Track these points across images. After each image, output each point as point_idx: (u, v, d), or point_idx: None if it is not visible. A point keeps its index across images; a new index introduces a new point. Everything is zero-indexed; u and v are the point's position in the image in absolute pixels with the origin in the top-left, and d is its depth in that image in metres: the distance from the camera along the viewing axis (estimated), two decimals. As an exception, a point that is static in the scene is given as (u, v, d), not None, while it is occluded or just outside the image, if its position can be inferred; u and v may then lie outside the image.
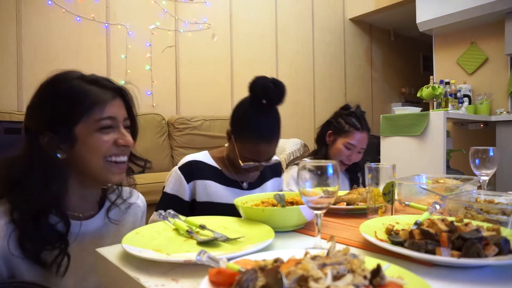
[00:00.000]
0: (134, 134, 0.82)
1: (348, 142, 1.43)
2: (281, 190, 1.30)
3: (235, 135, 1.07)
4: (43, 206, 0.70)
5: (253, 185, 1.18)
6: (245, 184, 1.15)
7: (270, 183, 1.23)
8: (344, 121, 1.47)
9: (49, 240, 0.71)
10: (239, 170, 1.12)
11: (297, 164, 1.51)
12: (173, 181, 1.11)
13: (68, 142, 0.71)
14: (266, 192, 1.19)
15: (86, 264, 0.79)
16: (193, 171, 1.10)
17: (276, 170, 1.26)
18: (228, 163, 1.15)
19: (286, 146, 3.00)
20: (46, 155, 0.70)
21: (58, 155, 0.72)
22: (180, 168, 1.12)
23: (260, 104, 1.03)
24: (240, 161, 1.05)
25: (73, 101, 0.72)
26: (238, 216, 0.85)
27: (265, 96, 1.02)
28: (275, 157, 1.14)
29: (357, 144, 1.44)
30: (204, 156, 1.15)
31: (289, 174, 1.48)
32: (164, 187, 1.14)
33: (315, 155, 1.54)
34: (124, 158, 0.78)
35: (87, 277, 0.79)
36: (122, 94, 0.80)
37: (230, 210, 0.99)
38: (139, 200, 0.94)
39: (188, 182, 1.09)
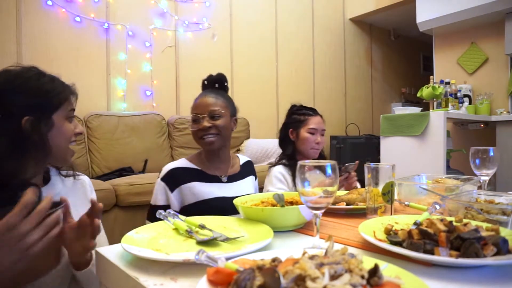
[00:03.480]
0: None
1: (309, 128, 1.59)
2: (260, 188, 1.44)
3: None
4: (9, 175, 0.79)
5: (232, 179, 1.26)
6: (224, 178, 1.24)
7: (247, 180, 1.32)
8: (297, 115, 1.64)
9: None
10: (203, 147, 1.23)
11: (275, 165, 1.59)
12: (158, 193, 1.17)
13: (47, 126, 0.83)
14: (244, 186, 1.29)
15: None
16: (176, 178, 1.17)
17: (251, 169, 1.38)
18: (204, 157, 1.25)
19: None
20: (24, 135, 0.80)
21: (36, 136, 0.81)
22: (163, 179, 1.17)
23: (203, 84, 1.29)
24: (191, 128, 1.19)
25: (54, 92, 0.85)
26: (225, 207, 0.90)
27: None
28: (245, 157, 1.37)
29: (317, 127, 1.60)
30: (182, 162, 1.23)
31: (271, 175, 1.55)
32: (151, 200, 1.19)
33: (285, 156, 1.63)
34: (75, 143, 0.92)
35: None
36: (73, 92, 0.93)
37: (215, 203, 1.14)
38: (82, 177, 1.03)
39: (172, 191, 1.16)
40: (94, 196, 1.03)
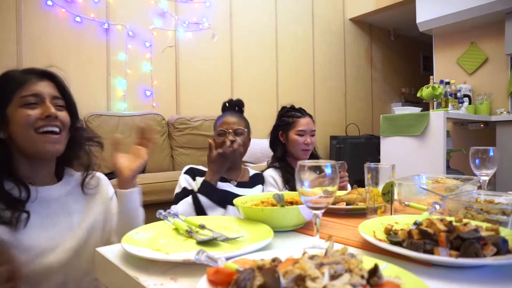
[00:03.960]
0: (72, 113, 0.91)
1: (298, 130, 1.60)
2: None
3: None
4: None
5: (241, 185, 1.41)
6: (234, 182, 1.40)
7: (256, 188, 1.46)
8: (286, 117, 1.66)
9: (5, 201, 0.79)
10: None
11: (266, 169, 1.62)
12: (183, 180, 1.35)
13: (3, 123, 0.81)
14: (252, 192, 1.41)
15: (57, 226, 0.86)
16: (194, 172, 1.37)
17: (260, 180, 1.52)
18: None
19: (286, 146, 3.00)
20: None
21: (3, 135, 0.82)
22: (185, 172, 1.37)
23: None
24: (216, 140, 1.36)
25: (2, 84, 0.83)
26: (230, 200, 1.01)
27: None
28: (255, 171, 1.53)
29: (306, 128, 1.60)
30: (199, 166, 1.43)
31: (265, 179, 1.57)
32: (175, 192, 1.35)
33: (276, 157, 1.65)
34: (54, 129, 0.84)
35: (58, 238, 0.85)
36: (50, 77, 0.88)
37: (223, 195, 1.29)
38: (97, 173, 1.02)
39: (193, 179, 1.35)
40: (111, 189, 1.03)
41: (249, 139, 1.46)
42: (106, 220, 0.96)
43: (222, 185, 1.35)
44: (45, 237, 0.83)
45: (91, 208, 0.94)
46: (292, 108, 1.70)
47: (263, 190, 1.49)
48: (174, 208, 1.24)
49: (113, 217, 0.97)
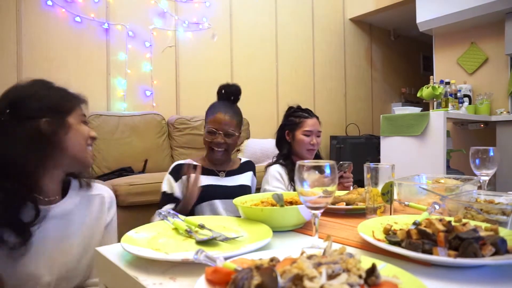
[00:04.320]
0: None
1: (304, 130, 1.62)
2: (257, 189, 1.55)
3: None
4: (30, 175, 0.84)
5: (230, 173, 1.41)
6: (222, 174, 1.40)
7: (245, 174, 1.46)
8: (293, 117, 1.67)
9: (14, 226, 0.80)
10: (212, 155, 1.38)
11: (272, 164, 1.64)
12: (166, 182, 1.36)
13: (65, 128, 0.88)
14: (240, 179, 1.43)
15: (56, 245, 0.88)
16: (178, 171, 1.33)
17: (250, 167, 1.52)
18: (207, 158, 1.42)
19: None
20: (45, 139, 0.84)
21: (55, 138, 0.86)
22: (170, 173, 1.37)
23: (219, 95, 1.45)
24: (205, 136, 1.35)
25: (68, 97, 0.92)
26: (215, 194, 1.16)
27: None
28: (247, 159, 1.53)
29: (312, 129, 1.62)
30: (187, 160, 1.40)
31: (268, 174, 1.59)
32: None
33: (281, 156, 1.67)
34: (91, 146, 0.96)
35: (57, 258, 0.87)
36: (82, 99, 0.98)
37: (207, 191, 1.30)
38: (104, 192, 1.04)
39: (176, 181, 1.33)
40: (112, 214, 1.03)
41: (240, 134, 1.42)
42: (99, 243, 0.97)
43: (207, 179, 1.34)
44: (45, 264, 0.85)
45: (91, 228, 0.97)
46: (299, 108, 1.72)
47: (253, 177, 1.50)
48: (153, 217, 1.21)
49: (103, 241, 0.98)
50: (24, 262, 0.82)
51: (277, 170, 1.56)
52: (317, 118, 1.69)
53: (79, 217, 0.94)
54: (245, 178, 1.45)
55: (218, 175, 1.39)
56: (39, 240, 0.84)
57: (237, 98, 1.44)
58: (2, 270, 0.79)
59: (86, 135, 0.92)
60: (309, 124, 1.63)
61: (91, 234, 0.96)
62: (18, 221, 0.80)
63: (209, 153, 1.40)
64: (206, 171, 1.37)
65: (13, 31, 2.40)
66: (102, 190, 1.03)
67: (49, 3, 2.53)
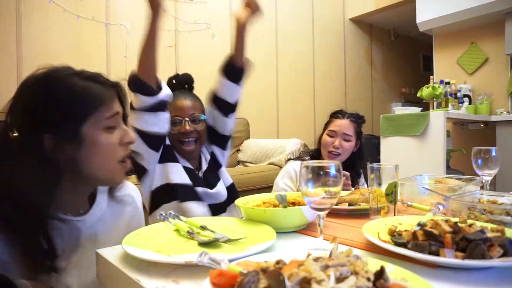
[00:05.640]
0: None
1: (329, 129, 1.54)
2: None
3: None
4: (43, 207, 0.65)
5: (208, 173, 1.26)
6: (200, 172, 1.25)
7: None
8: (330, 117, 1.62)
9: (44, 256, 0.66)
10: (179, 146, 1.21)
11: (294, 159, 1.55)
12: None
13: (74, 144, 0.67)
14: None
15: (84, 262, 0.76)
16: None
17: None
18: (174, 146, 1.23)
19: (286, 146, 3.00)
20: (47, 158, 0.66)
21: (66, 158, 0.67)
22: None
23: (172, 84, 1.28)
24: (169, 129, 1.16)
25: (78, 99, 0.68)
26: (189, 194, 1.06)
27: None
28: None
29: (337, 130, 1.51)
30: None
31: (285, 168, 1.54)
32: None
33: (307, 154, 1.65)
34: (126, 158, 0.76)
35: (85, 274, 0.76)
36: (117, 89, 0.76)
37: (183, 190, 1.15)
38: (131, 191, 0.92)
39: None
40: (141, 212, 0.92)
41: (206, 123, 1.26)
42: None
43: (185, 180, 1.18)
44: (69, 278, 0.73)
45: (124, 230, 0.83)
46: (341, 110, 1.63)
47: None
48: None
49: None
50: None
51: (294, 168, 1.48)
52: (353, 121, 1.55)
53: (111, 222, 0.82)
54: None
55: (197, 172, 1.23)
56: (71, 254, 0.73)
57: (191, 86, 1.31)
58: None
59: (111, 148, 0.69)
60: (336, 124, 1.52)
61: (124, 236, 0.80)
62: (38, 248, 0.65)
63: (178, 149, 1.21)
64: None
65: (13, 31, 2.39)
66: (130, 190, 0.90)
67: (49, 2, 2.52)
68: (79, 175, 0.71)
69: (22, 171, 0.64)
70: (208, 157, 1.30)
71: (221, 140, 1.30)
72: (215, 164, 1.30)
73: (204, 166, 1.27)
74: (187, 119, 1.18)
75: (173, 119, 1.18)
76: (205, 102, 1.31)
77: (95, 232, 0.80)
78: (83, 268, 0.76)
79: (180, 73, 1.39)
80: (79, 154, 0.68)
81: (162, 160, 1.17)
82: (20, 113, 0.68)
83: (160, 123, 1.09)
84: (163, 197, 1.14)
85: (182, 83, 1.28)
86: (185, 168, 1.20)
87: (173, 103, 1.19)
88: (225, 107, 1.25)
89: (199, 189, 1.18)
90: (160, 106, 1.08)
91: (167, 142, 1.20)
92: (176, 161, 1.18)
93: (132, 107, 1.08)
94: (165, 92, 1.10)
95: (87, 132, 0.68)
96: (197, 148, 1.23)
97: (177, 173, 1.15)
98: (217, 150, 1.33)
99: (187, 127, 1.18)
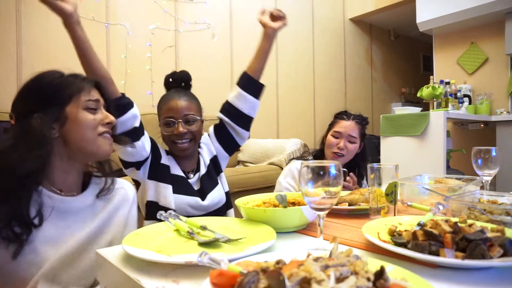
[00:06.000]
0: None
1: (334, 130, 1.54)
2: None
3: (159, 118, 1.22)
4: (27, 180, 0.76)
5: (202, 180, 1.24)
6: (191, 174, 1.23)
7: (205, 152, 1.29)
8: (334, 118, 1.61)
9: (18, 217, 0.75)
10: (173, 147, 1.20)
11: (297, 159, 1.54)
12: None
13: (60, 121, 0.81)
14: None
15: (72, 242, 0.80)
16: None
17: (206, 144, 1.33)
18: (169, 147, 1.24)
19: (286, 146, 3.00)
20: (39, 135, 0.78)
21: (53, 134, 0.80)
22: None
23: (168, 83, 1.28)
24: (163, 131, 1.18)
25: (63, 86, 0.83)
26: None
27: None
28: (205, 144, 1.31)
29: (342, 131, 1.51)
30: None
31: (288, 167, 1.54)
32: None
33: (311, 154, 1.63)
34: (108, 135, 0.88)
35: (73, 255, 0.80)
36: (98, 86, 0.90)
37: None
38: (125, 186, 0.98)
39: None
40: (134, 209, 0.98)
41: (202, 122, 1.25)
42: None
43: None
44: (56, 256, 0.78)
45: (107, 226, 0.89)
46: (345, 111, 1.63)
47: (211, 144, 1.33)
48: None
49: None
50: (29, 249, 0.76)
51: (297, 167, 1.48)
52: (358, 123, 1.55)
53: (97, 210, 0.89)
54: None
55: (187, 177, 1.21)
56: (51, 227, 0.79)
57: (188, 85, 1.28)
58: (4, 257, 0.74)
59: (93, 123, 0.83)
60: (341, 125, 1.52)
61: (106, 226, 0.88)
62: (22, 214, 0.75)
63: (172, 149, 1.21)
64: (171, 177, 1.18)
65: (13, 31, 2.39)
66: (124, 184, 0.98)
67: (49, 3, 2.52)
68: (67, 152, 0.83)
69: (18, 145, 0.77)
70: (208, 161, 1.28)
71: (245, 121, 1.29)
72: (215, 169, 1.29)
73: (203, 170, 1.25)
74: (180, 120, 1.16)
75: (166, 120, 1.17)
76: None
77: (84, 215, 0.86)
78: (68, 246, 0.80)
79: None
80: (64, 130, 0.82)
81: (157, 178, 1.16)
82: (17, 105, 0.84)
83: (135, 152, 1.08)
84: (154, 211, 1.11)
85: (179, 81, 1.26)
86: (175, 176, 1.18)
87: (167, 104, 1.18)
88: (245, 121, 1.28)
89: (190, 200, 1.15)
90: (132, 134, 1.06)
91: (163, 160, 1.19)
92: (169, 182, 1.15)
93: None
94: (132, 112, 1.06)
95: (70, 111, 0.82)
96: (191, 147, 1.20)
97: (165, 197, 1.14)
98: (221, 153, 1.31)
99: (180, 129, 1.15)
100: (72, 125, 0.82)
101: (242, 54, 3.56)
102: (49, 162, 0.81)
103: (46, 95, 0.81)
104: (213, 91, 3.34)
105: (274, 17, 1.27)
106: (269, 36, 1.28)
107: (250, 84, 1.28)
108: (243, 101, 1.25)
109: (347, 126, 1.52)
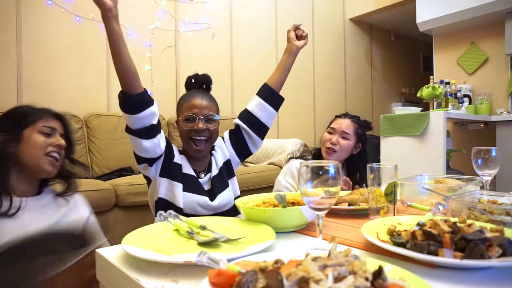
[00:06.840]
0: (70, 153, 1.11)
1: (329, 127, 1.59)
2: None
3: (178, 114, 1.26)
4: None
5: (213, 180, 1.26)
6: (202, 174, 1.26)
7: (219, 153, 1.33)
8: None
9: None
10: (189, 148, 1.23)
11: (296, 158, 1.56)
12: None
13: (17, 141, 1.00)
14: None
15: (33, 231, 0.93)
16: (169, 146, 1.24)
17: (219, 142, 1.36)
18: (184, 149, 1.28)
19: (286, 146, 3.00)
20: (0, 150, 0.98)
21: (10, 150, 0.99)
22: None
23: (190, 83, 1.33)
24: (182, 126, 1.20)
25: (26, 114, 1.03)
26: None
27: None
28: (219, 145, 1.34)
29: (336, 127, 1.55)
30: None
31: (287, 166, 1.55)
32: None
33: (310, 153, 1.68)
34: (57, 155, 1.04)
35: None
36: (60, 119, 1.09)
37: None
38: (77, 197, 1.13)
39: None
40: (86, 212, 1.12)
41: (219, 124, 1.27)
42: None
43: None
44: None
45: (60, 222, 1.04)
46: (346, 113, 1.66)
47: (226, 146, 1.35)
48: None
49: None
50: None
51: (296, 166, 1.50)
52: (353, 121, 1.57)
53: (51, 211, 1.03)
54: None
55: (198, 176, 1.24)
56: (9, 222, 0.93)
57: (209, 87, 1.32)
58: None
59: (41, 144, 1.00)
60: (336, 122, 1.57)
61: (54, 220, 1.02)
62: None
63: (188, 147, 1.23)
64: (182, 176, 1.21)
65: (13, 31, 2.39)
66: (76, 197, 1.13)
67: (49, 3, 2.52)
68: (20, 165, 1.01)
69: None
70: (221, 164, 1.30)
71: (261, 129, 1.37)
72: (227, 172, 1.31)
73: (215, 171, 1.27)
74: (201, 117, 1.19)
75: (187, 115, 1.20)
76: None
77: (39, 213, 1.00)
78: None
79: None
80: (19, 148, 1.00)
81: (169, 176, 1.19)
82: None
83: (149, 148, 1.11)
84: (163, 209, 1.13)
85: (201, 83, 1.31)
86: (186, 175, 1.21)
87: (189, 101, 1.22)
88: (261, 129, 1.36)
89: (199, 199, 1.18)
90: (149, 131, 1.09)
91: (175, 159, 1.21)
92: (180, 181, 1.18)
93: (128, 130, 1.11)
94: (151, 109, 1.09)
95: (27, 133, 1.01)
96: (206, 148, 1.23)
97: (175, 194, 1.17)
98: (233, 158, 1.34)
99: (200, 125, 1.19)
100: (25, 144, 1.00)
101: (242, 54, 3.56)
102: (6, 172, 0.98)
103: (13, 120, 1.02)
104: (213, 91, 3.34)
105: (297, 36, 1.39)
106: (292, 52, 1.42)
107: (271, 94, 1.38)
108: (262, 110, 1.35)
109: (341, 122, 1.56)
